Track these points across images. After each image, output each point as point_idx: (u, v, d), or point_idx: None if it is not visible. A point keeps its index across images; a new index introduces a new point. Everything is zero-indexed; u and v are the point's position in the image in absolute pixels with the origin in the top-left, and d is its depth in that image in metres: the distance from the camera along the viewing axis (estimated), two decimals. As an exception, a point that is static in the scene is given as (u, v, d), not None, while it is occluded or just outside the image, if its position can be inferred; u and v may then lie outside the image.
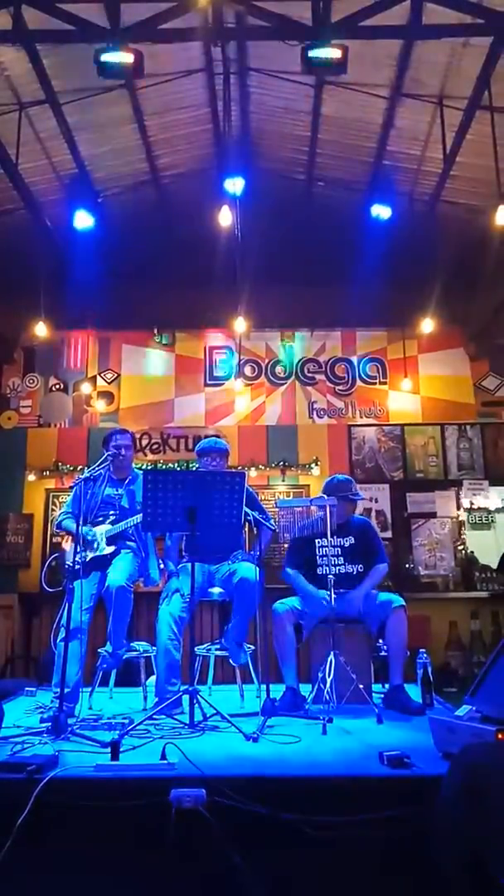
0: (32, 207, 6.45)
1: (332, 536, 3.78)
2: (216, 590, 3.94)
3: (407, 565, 7.49)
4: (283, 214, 6.87)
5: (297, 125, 6.42)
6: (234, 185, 5.35)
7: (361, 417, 8.16)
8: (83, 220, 5.74)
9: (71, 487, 4.41)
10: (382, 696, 3.73)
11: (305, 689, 3.71)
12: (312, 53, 4.27)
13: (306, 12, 4.47)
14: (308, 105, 6.04)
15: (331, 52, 4.25)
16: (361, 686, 3.49)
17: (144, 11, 4.56)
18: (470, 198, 6.55)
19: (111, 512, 3.97)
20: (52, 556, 4.26)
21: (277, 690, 3.59)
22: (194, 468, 4.63)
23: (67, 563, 3.73)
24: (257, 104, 6.37)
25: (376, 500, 7.77)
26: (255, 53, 5.68)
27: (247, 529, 3.80)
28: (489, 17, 4.53)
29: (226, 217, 5.68)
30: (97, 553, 3.85)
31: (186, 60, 5.63)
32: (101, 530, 3.90)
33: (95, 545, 3.86)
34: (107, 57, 4.28)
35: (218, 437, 4.58)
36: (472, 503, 7.70)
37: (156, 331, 8.17)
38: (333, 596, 3.59)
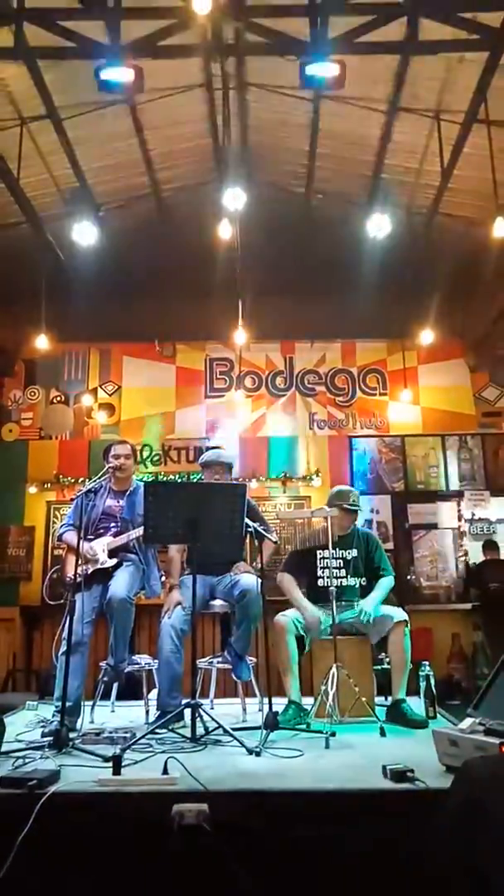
0: (34, 221, 6.49)
1: (333, 548, 3.77)
2: (218, 602, 3.93)
3: (408, 577, 7.48)
4: (282, 227, 6.91)
5: (295, 139, 6.48)
6: (234, 198, 5.38)
7: (362, 428, 8.17)
8: (84, 233, 5.77)
9: (72, 499, 4.40)
10: (385, 709, 3.70)
11: (308, 702, 3.69)
12: (310, 70, 4.31)
13: (304, 28, 4.52)
14: (306, 119, 6.10)
15: (328, 69, 4.29)
16: (364, 699, 3.48)
17: (144, 28, 4.62)
18: (468, 210, 6.59)
19: (112, 524, 3.96)
20: (54, 569, 4.25)
21: (280, 703, 3.58)
22: (196, 479, 4.64)
23: (68, 577, 3.73)
24: (256, 118, 6.43)
25: (377, 512, 7.78)
26: (253, 68, 5.74)
27: (248, 541, 3.79)
28: (484, 33, 4.58)
29: (225, 230, 5.71)
30: (99, 566, 3.84)
31: (186, 76, 5.69)
32: (103, 543, 3.89)
33: (97, 558, 3.84)
34: (107, 73, 4.32)
35: (220, 448, 4.58)
36: (473, 514, 7.70)
37: (157, 343, 8.21)
38: (335, 608, 3.58)
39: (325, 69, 4.29)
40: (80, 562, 3.59)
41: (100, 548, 3.86)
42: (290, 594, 3.90)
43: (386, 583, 3.92)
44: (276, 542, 4.15)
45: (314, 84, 4.45)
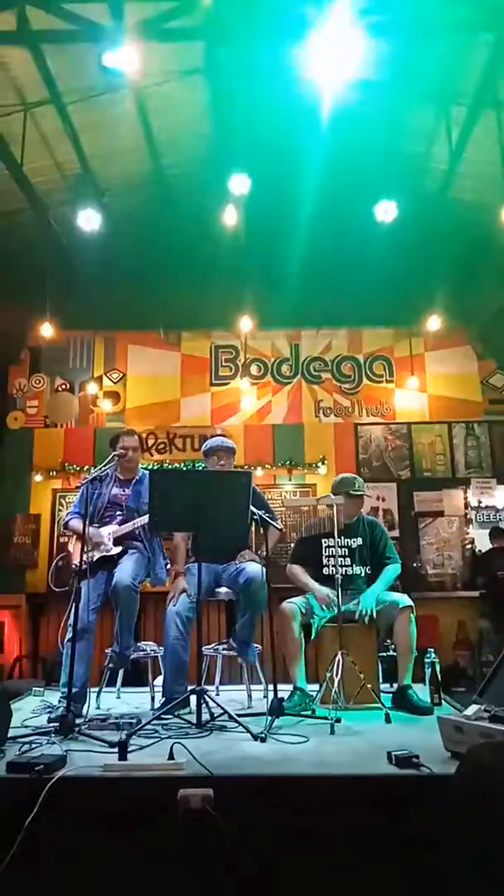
0: (38, 207, 6.46)
1: (339, 536, 3.76)
2: (223, 589, 3.93)
3: (414, 564, 7.47)
4: (288, 213, 6.85)
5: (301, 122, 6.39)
6: (239, 183, 5.33)
7: (368, 416, 8.15)
8: (88, 219, 5.74)
9: (78, 487, 4.40)
10: (391, 695, 3.71)
11: (313, 689, 3.70)
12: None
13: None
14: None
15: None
16: (369, 685, 3.49)
17: (148, 11, 4.56)
18: (476, 195, 6.51)
19: (118, 512, 3.97)
20: (59, 556, 4.26)
21: (285, 690, 3.59)
22: (201, 468, 4.63)
23: (74, 563, 3.74)
24: (261, 102, 6.34)
25: (383, 499, 7.76)
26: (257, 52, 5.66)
27: (253, 529, 3.79)
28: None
29: (231, 216, 5.67)
30: (104, 553, 3.85)
31: (190, 59, 5.62)
32: (108, 531, 3.90)
33: (103, 545, 3.85)
34: (110, 58, 4.27)
35: (224, 435, 4.57)
36: (479, 501, 7.68)
37: (161, 331, 8.18)
38: (340, 596, 3.58)
39: None
40: (85, 549, 3.60)
41: (105, 535, 3.87)
42: (299, 581, 3.91)
43: (390, 572, 3.92)
44: (280, 530, 4.15)
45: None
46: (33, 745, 2.76)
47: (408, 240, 6.41)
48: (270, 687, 3.35)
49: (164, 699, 3.58)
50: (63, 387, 8.26)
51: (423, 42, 5.03)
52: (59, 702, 3.51)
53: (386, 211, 5.73)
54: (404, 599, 3.75)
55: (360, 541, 3.98)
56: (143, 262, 6.99)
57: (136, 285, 7.23)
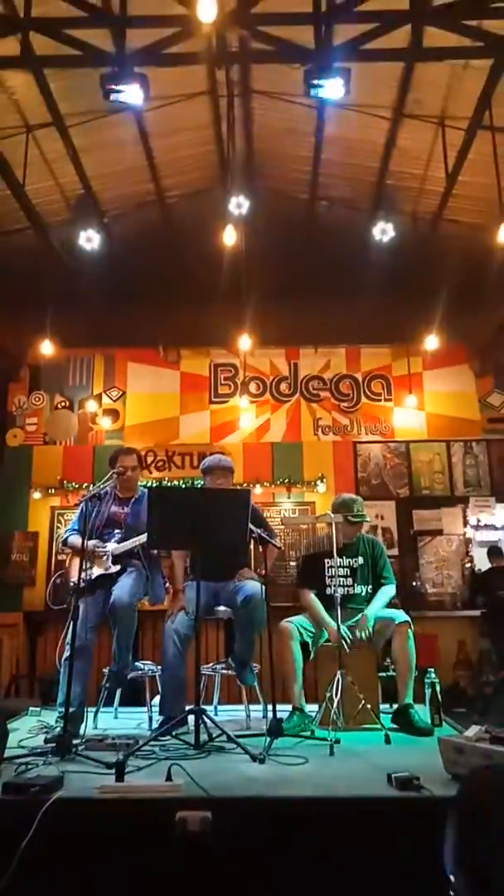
0: (39, 227, 6.53)
1: (339, 556, 3.75)
2: (222, 608, 3.91)
3: (414, 583, 7.44)
4: (286, 233, 6.93)
5: (300, 146, 6.50)
6: (239, 205, 5.40)
7: (367, 434, 8.16)
8: (89, 239, 5.80)
9: (76, 505, 4.40)
10: (390, 716, 3.68)
11: (312, 709, 3.67)
12: (315, 91, 4.28)
13: (309, 35, 4.54)
14: (311, 126, 6.12)
15: (332, 83, 4.25)
16: (369, 706, 3.46)
17: (150, 36, 4.64)
18: (472, 216, 6.60)
19: (116, 530, 3.96)
20: (58, 574, 4.25)
21: (284, 710, 3.56)
22: (200, 485, 4.63)
23: (72, 581, 3.72)
24: (260, 126, 6.46)
25: (382, 517, 7.75)
26: (258, 76, 5.77)
27: (252, 547, 3.78)
28: (488, 40, 4.60)
29: (230, 236, 5.73)
30: (103, 571, 3.83)
31: (191, 83, 5.72)
32: (108, 548, 3.89)
33: (102, 561, 3.84)
34: (112, 86, 4.31)
35: (222, 454, 4.57)
36: (478, 520, 7.67)
37: (161, 349, 8.22)
38: (342, 616, 3.57)
39: (329, 91, 4.27)
40: (84, 566, 3.59)
41: (106, 552, 3.86)
42: (313, 611, 3.86)
43: (386, 592, 3.90)
44: (279, 548, 4.13)
45: (318, 93, 4.45)
46: (30, 766, 2.73)
47: (405, 260, 6.48)
48: (269, 707, 3.32)
49: (161, 719, 3.55)
50: (62, 404, 8.28)
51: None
52: (56, 721, 3.48)
53: (384, 231, 5.80)
54: (401, 615, 3.73)
55: (361, 560, 3.97)
56: (142, 280, 7.04)
57: (136, 304, 7.27)
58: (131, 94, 4.26)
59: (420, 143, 6.00)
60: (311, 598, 3.90)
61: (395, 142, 6.01)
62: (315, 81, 4.26)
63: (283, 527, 7.55)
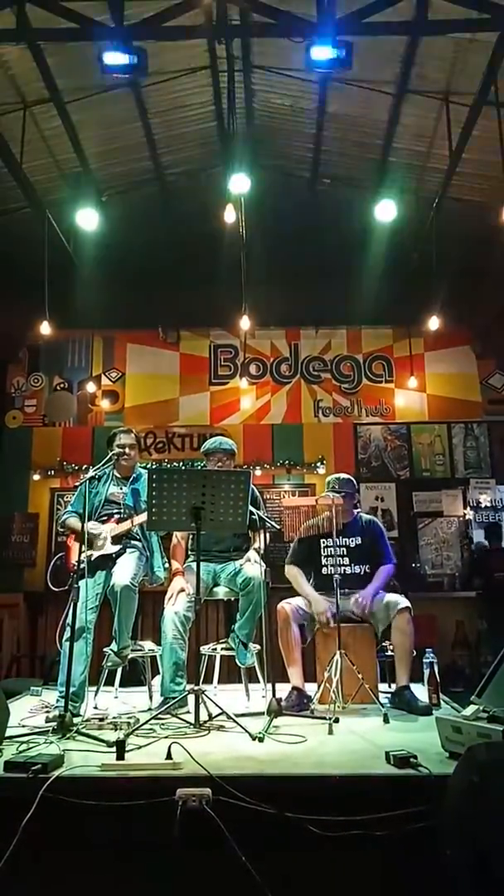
0: (37, 206, 6.45)
1: (337, 536, 3.75)
2: (221, 589, 3.92)
3: (413, 564, 7.48)
4: (288, 212, 6.85)
5: (301, 122, 6.40)
6: (239, 182, 5.32)
7: (367, 416, 8.14)
8: (87, 218, 5.73)
9: (76, 486, 4.39)
10: (389, 695, 3.70)
11: (311, 689, 3.69)
12: (315, 54, 4.21)
13: (311, 9, 4.44)
14: (313, 102, 6.02)
15: (332, 52, 4.18)
16: (367, 686, 3.48)
17: (148, 9, 4.55)
18: (476, 194, 6.51)
19: (115, 511, 3.96)
20: (58, 555, 4.26)
21: (283, 690, 3.58)
22: (200, 466, 4.62)
23: (73, 562, 3.72)
24: (262, 102, 6.35)
25: (382, 499, 7.76)
26: (259, 51, 5.66)
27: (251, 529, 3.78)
28: (495, 12, 4.49)
29: (230, 215, 5.66)
30: (102, 552, 3.84)
31: (190, 58, 5.62)
32: (106, 529, 3.89)
33: (101, 543, 3.84)
34: (110, 58, 4.25)
35: (224, 436, 4.56)
36: (478, 502, 7.67)
37: (160, 330, 8.17)
38: (339, 596, 3.57)
39: (330, 52, 4.20)
40: (84, 547, 3.59)
41: (103, 531, 3.86)
42: (298, 587, 3.89)
43: (385, 571, 3.90)
44: (276, 529, 4.12)
45: (320, 66, 4.37)
46: (31, 745, 2.75)
47: (407, 239, 6.41)
48: (269, 687, 3.34)
49: (162, 698, 3.57)
50: (61, 386, 8.25)
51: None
52: (57, 701, 3.50)
53: (386, 210, 5.73)
54: (402, 601, 3.74)
55: (359, 539, 3.97)
56: (142, 260, 6.99)
57: (135, 284, 7.22)
58: (127, 59, 4.18)
59: (424, 119, 5.90)
60: (296, 572, 3.92)
61: (399, 118, 5.91)
62: (317, 55, 4.18)
63: (282, 508, 7.55)
